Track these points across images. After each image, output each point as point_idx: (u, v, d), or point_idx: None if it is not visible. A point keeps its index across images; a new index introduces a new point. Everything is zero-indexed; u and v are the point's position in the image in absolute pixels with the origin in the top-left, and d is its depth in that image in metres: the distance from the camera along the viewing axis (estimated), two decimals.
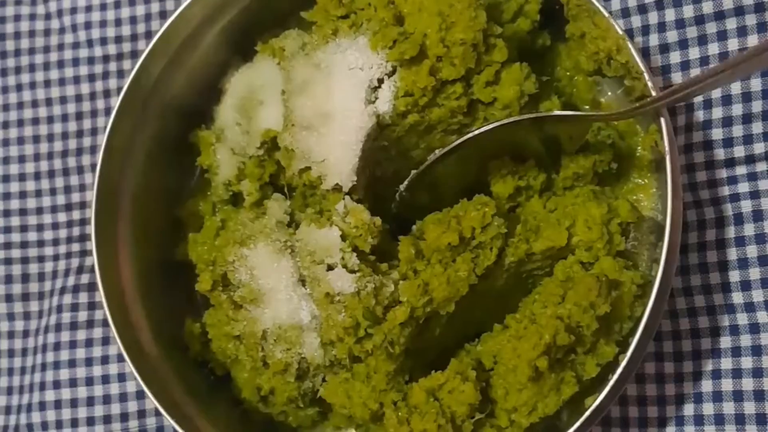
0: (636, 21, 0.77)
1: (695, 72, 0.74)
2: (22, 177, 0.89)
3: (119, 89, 0.87)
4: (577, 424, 0.62)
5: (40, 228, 0.88)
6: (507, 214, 0.70)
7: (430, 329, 0.69)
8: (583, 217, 0.67)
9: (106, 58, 0.88)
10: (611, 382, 0.62)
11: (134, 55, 0.88)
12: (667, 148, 0.63)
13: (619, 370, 0.61)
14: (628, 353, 0.62)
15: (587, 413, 0.62)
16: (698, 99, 0.74)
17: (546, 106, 0.70)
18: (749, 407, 0.70)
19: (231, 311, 0.73)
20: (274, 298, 0.72)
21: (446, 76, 0.67)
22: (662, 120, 0.63)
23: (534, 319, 0.66)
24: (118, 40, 0.88)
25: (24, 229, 0.88)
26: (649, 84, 0.64)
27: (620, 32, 0.65)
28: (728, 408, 0.71)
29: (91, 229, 0.73)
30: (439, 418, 0.65)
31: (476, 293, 0.67)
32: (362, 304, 0.65)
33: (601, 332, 0.65)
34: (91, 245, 0.72)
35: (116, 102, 0.74)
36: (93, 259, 0.83)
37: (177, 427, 0.69)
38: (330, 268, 0.67)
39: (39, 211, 0.88)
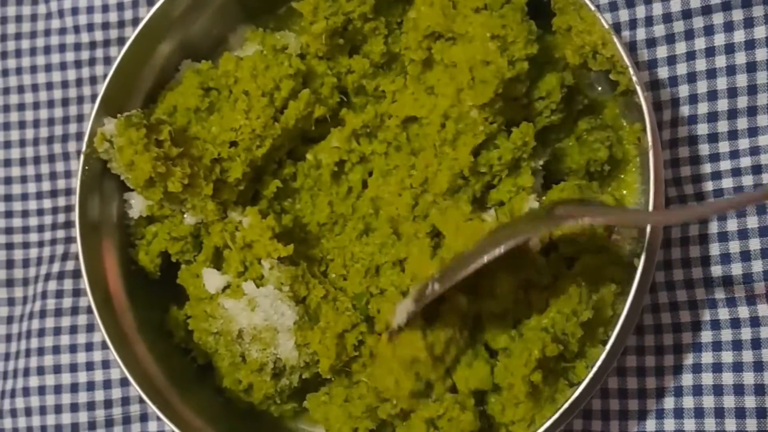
0: (623, 15, 0.77)
1: (681, 66, 0.75)
2: (7, 163, 0.89)
3: (105, 76, 0.87)
4: (555, 416, 0.62)
5: (25, 214, 0.88)
6: None
7: None
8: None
9: (92, 45, 0.88)
10: (589, 376, 0.62)
11: (121, 42, 0.87)
12: (650, 143, 0.63)
13: (597, 365, 0.62)
14: (607, 347, 0.62)
15: (564, 406, 0.62)
16: (684, 94, 0.75)
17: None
18: (729, 401, 0.70)
19: (208, 307, 0.74)
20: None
21: None
22: (646, 115, 0.63)
23: (521, 332, 0.66)
24: (105, 26, 0.87)
25: (9, 215, 0.88)
26: (634, 78, 0.64)
27: (606, 26, 0.65)
28: (708, 402, 0.71)
29: (75, 216, 0.72)
30: None
31: None
32: None
33: (586, 337, 0.65)
34: (75, 232, 0.72)
35: (101, 88, 0.74)
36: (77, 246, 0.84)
37: (160, 415, 0.69)
38: None
39: (24, 197, 0.88)
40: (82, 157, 0.73)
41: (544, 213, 0.63)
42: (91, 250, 0.73)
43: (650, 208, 0.63)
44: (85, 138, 0.73)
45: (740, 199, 0.64)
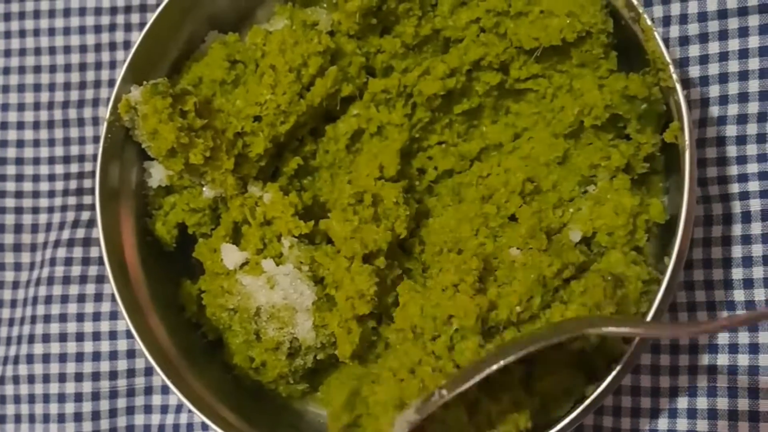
0: (658, 11, 0.76)
1: (713, 66, 0.74)
2: (20, 125, 0.87)
3: (125, 42, 0.86)
4: (576, 412, 0.62)
5: (36, 179, 0.86)
6: None
7: None
8: (614, 203, 0.66)
9: (113, 10, 0.86)
10: (612, 375, 0.62)
11: (143, 8, 0.86)
12: (687, 141, 0.62)
13: (623, 360, 0.62)
14: (632, 345, 0.62)
15: (587, 402, 0.62)
16: (714, 94, 0.74)
17: None
18: (743, 404, 0.70)
19: (225, 283, 0.73)
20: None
21: None
22: (684, 114, 0.63)
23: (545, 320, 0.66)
24: None
25: (20, 178, 0.87)
26: (674, 76, 0.63)
27: (649, 22, 0.65)
28: (722, 404, 0.71)
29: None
30: None
31: None
32: None
33: None
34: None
35: (129, 55, 0.72)
36: (92, 214, 0.84)
37: (172, 387, 0.68)
38: None
39: (36, 161, 0.87)
40: (105, 123, 0.72)
41: (553, 328, 0.62)
42: (109, 218, 0.72)
43: (684, 205, 0.62)
44: (110, 104, 0.72)
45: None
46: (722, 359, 0.72)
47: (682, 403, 0.72)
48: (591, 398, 0.63)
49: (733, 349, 0.72)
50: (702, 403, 0.72)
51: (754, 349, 0.71)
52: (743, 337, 0.71)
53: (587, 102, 0.68)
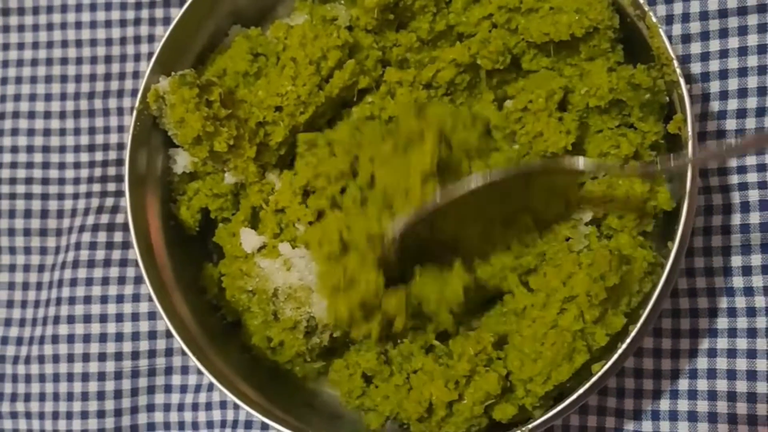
0: (661, 10, 0.79)
1: (714, 63, 0.77)
2: (47, 115, 0.90)
3: (150, 36, 0.90)
4: (587, 386, 0.65)
5: (61, 166, 0.90)
6: None
7: None
8: (625, 189, 0.70)
9: (138, 5, 0.90)
10: (619, 351, 0.65)
11: (167, 3, 0.89)
12: (690, 133, 0.66)
13: (629, 338, 0.65)
14: (638, 323, 0.65)
15: (595, 378, 0.65)
16: (715, 90, 0.77)
17: None
18: (741, 386, 0.73)
19: (244, 266, 0.76)
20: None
21: None
22: (688, 108, 0.66)
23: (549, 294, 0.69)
24: None
25: (46, 166, 0.90)
26: (678, 71, 0.67)
27: (654, 19, 0.68)
28: (721, 385, 0.74)
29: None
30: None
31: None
32: None
33: (609, 302, 0.68)
34: (124, 185, 0.74)
35: (157, 47, 0.76)
36: (116, 201, 0.87)
37: (199, 365, 0.71)
38: None
39: (62, 149, 0.90)
40: (134, 112, 0.75)
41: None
42: (137, 203, 0.75)
43: (687, 194, 0.65)
44: (139, 94, 0.75)
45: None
46: (721, 343, 0.75)
47: (683, 384, 0.75)
48: (595, 377, 0.66)
49: (732, 333, 0.75)
50: (702, 384, 0.75)
51: (752, 333, 0.74)
52: (742, 322, 0.74)
53: (594, 82, 0.71)
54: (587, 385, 0.66)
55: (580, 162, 0.67)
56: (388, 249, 0.69)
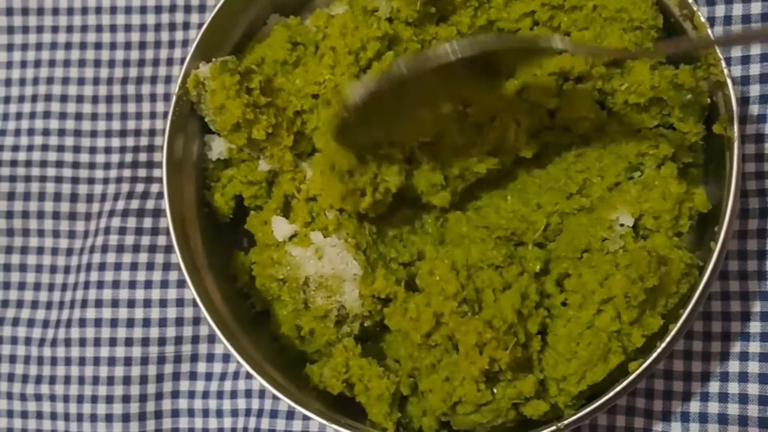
0: (703, 12, 0.79)
1: (755, 67, 0.77)
2: (79, 99, 0.90)
3: (185, 24, 0.90)
4: (624, 384, 0.65)
5: (92, 150, 0.89)
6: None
7: None
8: (662, 189, 0.70)
9: None
10: (659, 349, 0.65)
11: None
12: (735, 134, 0.65)
13: (669, 337, 0.65)
14: (678, 323, 0.65)
15: (632, 377, 0.65)
16: (755, 93, 0.77)
17: None
18: None
19: (275, 254, 0.76)
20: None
21: None
22: (734, 108, 0.66)
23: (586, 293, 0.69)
24: None
25: (77, 149, 0.90)
26: (725, 71, 0.66)
27: (702, 19, 0.68)
28: (753, 389, 0.74)
29: (162, 154, 0.74)
30: None
31: None
32: None
33: (647, 304, 0.68)
34: (162, 171, 0.74)
35: (198, 34, 0.76)
36: (146, 186, 0.87)
37: (232, 351, 0.71)
38: None
39: (93, 134, 0.90)
40: (174, 97, 0.75)
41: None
42: (174, 188, 0.75)
43: (731, 196, 0.65)
44: (179, 79, 0.75)
45: None
46: (753, 347, 0.74)
47: (714, 387, 0.75)
48: (632, 376, 0.65)
49: (765, 337, 0.74)
50: (734, 388, 0.74)
51: None
52: None
53: (635, 79, 0.70)
54: (624, 384, 0.65)
55: (557, 41, 0.63)
56: (350, 113, 0.66)
